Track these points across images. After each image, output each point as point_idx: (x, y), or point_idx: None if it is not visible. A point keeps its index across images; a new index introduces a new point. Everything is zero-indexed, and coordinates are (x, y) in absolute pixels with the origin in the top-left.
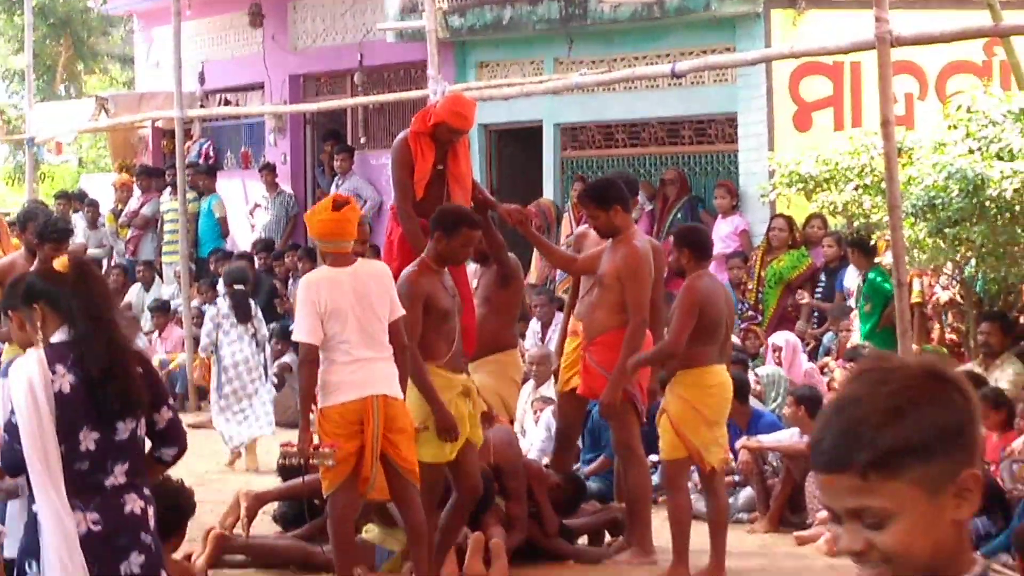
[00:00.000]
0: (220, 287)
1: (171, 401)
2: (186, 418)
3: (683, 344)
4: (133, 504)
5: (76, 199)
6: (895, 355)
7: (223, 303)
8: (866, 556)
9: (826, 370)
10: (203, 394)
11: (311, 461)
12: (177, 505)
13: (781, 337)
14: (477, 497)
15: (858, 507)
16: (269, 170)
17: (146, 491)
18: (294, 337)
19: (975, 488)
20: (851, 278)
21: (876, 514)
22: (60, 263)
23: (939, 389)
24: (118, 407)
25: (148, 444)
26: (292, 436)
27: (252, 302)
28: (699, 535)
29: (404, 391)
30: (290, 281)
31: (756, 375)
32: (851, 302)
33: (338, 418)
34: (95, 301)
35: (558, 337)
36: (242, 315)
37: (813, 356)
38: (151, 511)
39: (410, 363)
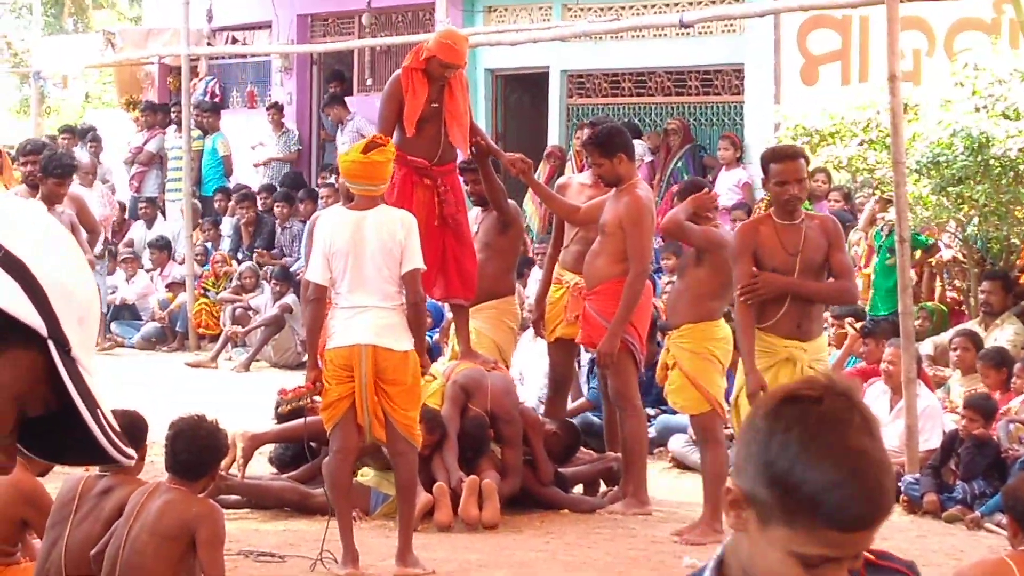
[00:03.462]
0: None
1: None
2: (186, 357)
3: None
4: None
5: (92, 138)
6: (844, 385)
7: None
8: None
9: (825, 325)
10: (203, 334)
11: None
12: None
13: None
14: None
15: (862, 550)
16: (276, 109)
17: None
18: (306, 275)
19: None
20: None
21: (864, 548)
22: None
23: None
24: None
25: None
26: (291, 377)
27: None
28: (696, 485)
29: (419, 346)
30: (288, 223)
31: None
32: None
33: (330, 363)
34: None
35: (539, 286)
36: None
37: None
38: None
39: (739, 321)
